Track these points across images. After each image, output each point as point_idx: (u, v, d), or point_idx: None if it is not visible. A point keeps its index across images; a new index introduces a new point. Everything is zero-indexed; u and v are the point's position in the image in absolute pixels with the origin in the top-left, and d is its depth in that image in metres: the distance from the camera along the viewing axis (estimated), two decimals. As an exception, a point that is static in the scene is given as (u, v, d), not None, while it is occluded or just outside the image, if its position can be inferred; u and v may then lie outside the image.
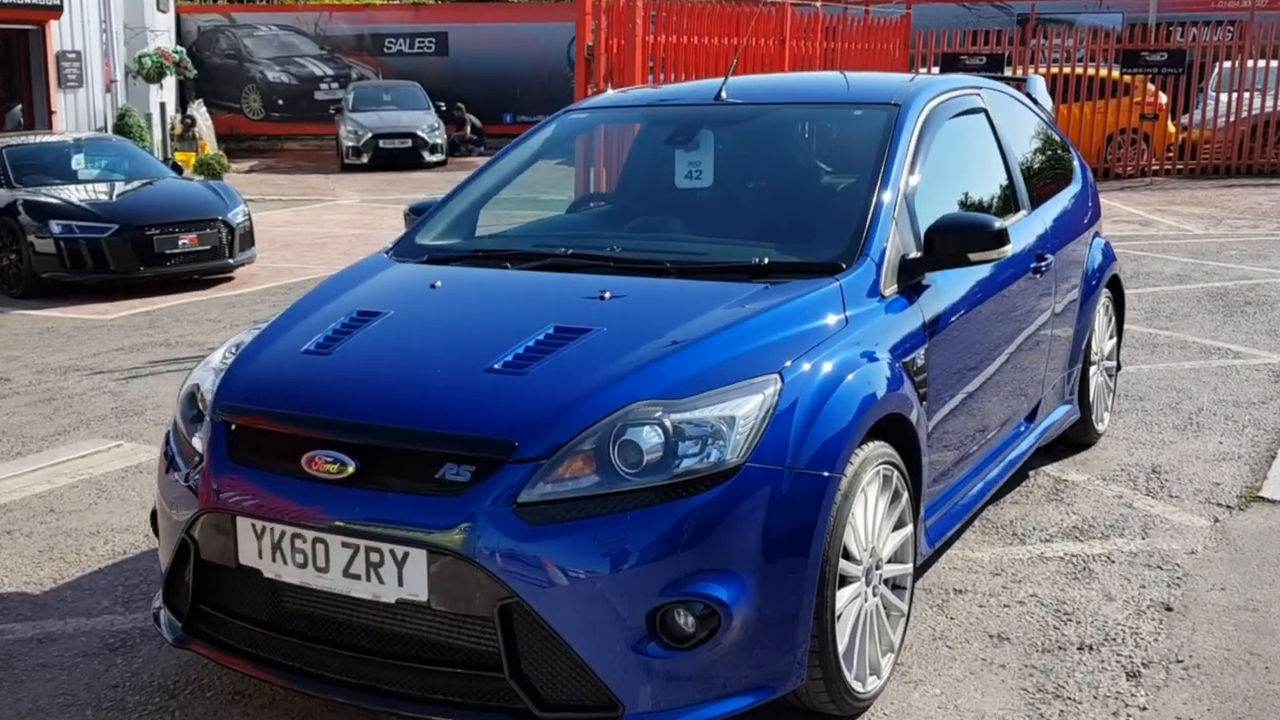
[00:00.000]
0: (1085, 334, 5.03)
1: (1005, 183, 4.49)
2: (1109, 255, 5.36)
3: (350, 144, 20.89)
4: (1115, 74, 17.54)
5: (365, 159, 20.64)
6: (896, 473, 3.22)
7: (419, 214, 4.23)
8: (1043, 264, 4.42)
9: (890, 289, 3.44)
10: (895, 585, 3.33)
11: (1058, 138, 5.31)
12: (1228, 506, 4.64)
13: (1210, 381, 6.39)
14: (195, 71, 21.66)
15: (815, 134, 4.10)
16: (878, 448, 3.12)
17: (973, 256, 3.53)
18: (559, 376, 2.88)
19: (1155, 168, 17.62)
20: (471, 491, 2.70)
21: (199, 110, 21.35)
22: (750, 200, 4.02)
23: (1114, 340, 5.52)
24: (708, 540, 2.69)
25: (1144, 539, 4.33)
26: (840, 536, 2.92)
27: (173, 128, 20.64)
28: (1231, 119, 17.47)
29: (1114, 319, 5.50)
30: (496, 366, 2.95)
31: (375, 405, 2.90)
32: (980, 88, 4.58)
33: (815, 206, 3.83)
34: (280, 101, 25.52)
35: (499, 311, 3.32)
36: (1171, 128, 17.80)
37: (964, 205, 4.12)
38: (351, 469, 2.80)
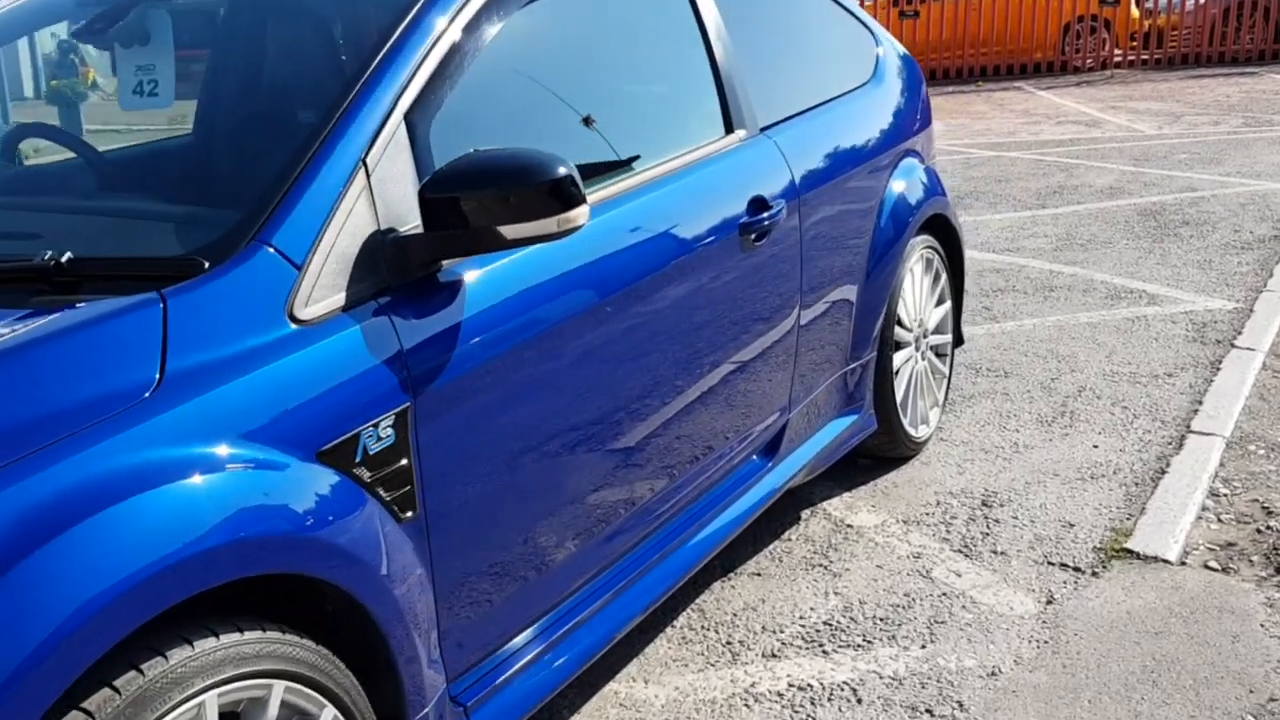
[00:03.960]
0: (881, 307, 3.41)
1: (708, 91, 2.84)
2: (931, 187, 3.71)
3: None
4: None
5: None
6: (305, 689, 1.64)
7: None
8: (765, 216, 2.78)
9: (325, 303, 1.80)
10: None
11: (845, 18, 3.63)
12: (1075, 569, 3.06)
13: (1107, 343, 4.78)
14: None
15: (321, 17, 2.44)
16: (208, 652, 1.53)
17: (508, 232, 1.90)
18: None
19: (1117, 59, 15.78)
20: None
21: None
22: (199, 131, 2.37)
23: (945, 307, 3.88)
24: None
25: (924, 647, 2.75)
26: None
27: None
28: (1202, 2, 15.59)
29: (944, 278, 3.86)
30: None
31: None
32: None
33: (249, 146, 2.18)
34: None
35: None
36: (1136, 13, 15.92)
37: (589, 136, 2.46)
38: None
